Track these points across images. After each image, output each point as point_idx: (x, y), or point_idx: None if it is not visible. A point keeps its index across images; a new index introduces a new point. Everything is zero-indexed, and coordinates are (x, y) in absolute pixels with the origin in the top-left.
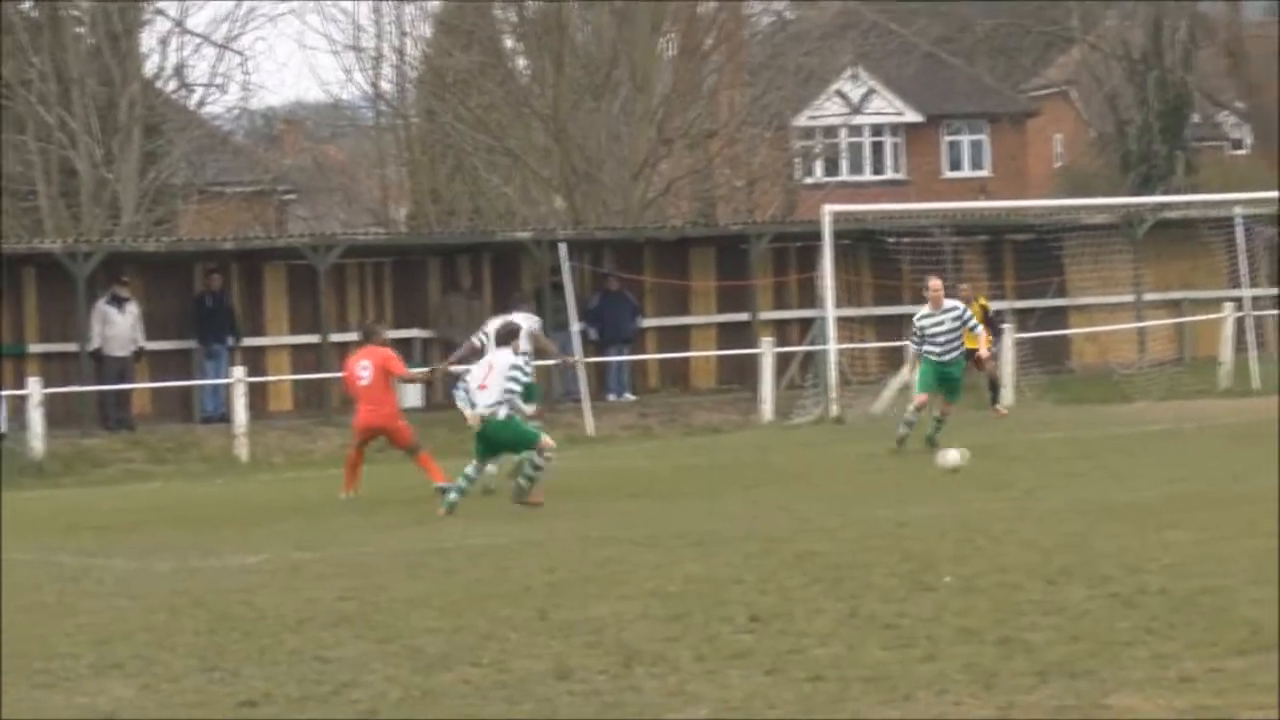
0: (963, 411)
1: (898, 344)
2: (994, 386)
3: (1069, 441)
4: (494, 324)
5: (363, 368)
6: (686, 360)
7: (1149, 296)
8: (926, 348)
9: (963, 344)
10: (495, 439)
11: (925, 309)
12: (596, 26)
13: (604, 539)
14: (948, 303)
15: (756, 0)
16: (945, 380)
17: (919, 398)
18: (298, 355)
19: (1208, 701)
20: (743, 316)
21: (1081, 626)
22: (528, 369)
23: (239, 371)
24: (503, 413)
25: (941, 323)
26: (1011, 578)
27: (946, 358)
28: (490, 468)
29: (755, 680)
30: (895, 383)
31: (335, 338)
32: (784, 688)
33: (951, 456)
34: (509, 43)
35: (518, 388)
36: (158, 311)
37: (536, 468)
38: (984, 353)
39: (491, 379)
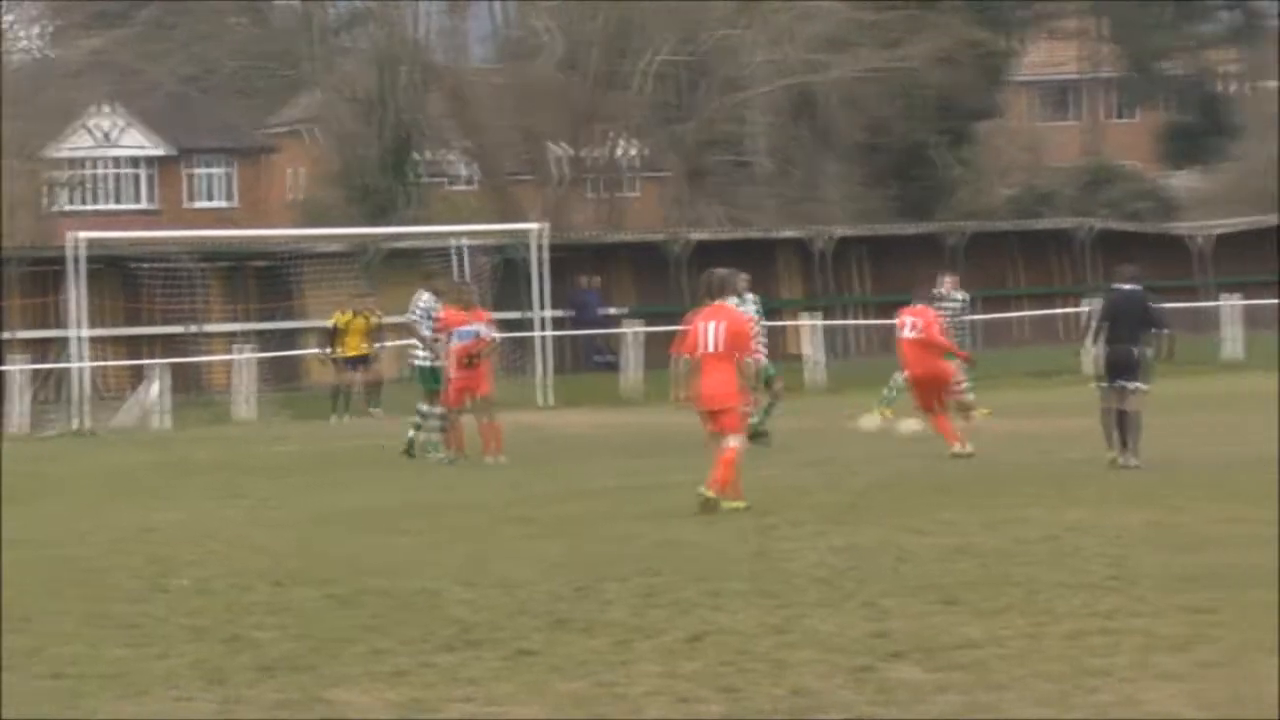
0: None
1: (142, 362)
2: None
3: (302, 455)
4: None
5: None
6: None
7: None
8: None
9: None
10: None
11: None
12: None
13: None
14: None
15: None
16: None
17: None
18: None
19: (418, 695)
20: None
21: (305, 625)
22: None
23: None
24: None
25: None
26: (243, 580)
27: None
28: None
29: None
30: (144, 397)
31: None
32: (22, 686)
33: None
34: None
35: None
36: None
37: None
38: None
39: None
